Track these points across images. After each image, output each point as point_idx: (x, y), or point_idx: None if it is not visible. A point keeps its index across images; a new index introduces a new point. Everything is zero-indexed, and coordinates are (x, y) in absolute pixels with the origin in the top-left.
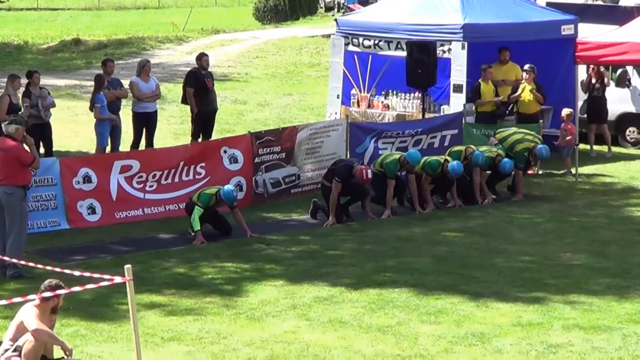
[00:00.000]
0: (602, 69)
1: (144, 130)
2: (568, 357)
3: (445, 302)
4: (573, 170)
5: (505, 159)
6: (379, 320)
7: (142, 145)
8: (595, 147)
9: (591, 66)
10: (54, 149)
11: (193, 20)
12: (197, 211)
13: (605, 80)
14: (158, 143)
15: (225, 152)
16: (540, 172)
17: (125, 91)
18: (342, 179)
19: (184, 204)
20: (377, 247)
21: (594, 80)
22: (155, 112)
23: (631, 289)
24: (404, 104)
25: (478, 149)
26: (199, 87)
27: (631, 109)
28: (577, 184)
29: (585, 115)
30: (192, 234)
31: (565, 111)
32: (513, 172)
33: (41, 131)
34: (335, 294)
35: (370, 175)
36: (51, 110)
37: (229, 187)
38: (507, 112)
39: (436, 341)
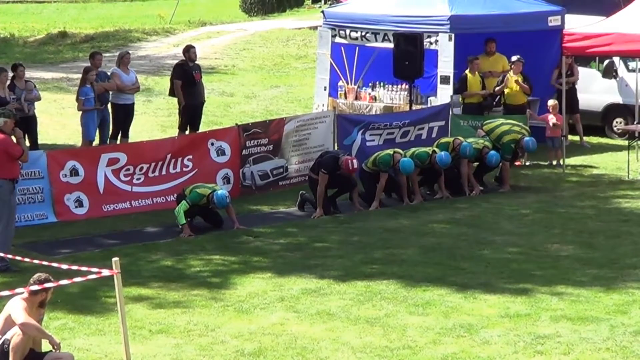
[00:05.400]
0: (571, 60)
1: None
2: (556, 348)
3: (433, 293)
4: (561, 161)
5: (492, 152)
6: (366, 312)
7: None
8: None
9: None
10: (41, 142)
11: (180, 12)
12: (183, 206)
13: (574, 71)
14: (145, 136)
15: (212, 144)
16: (527, 164)
17: (114, 84)
18: (329, 171)
19: (172, 196)
20: (364, 238)
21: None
22: (133, 104)
23: (618, 280)
24: (391, 96)
25: (465, 140)
26: (187, 79)
27: (618, 99)
28: (564, 175)
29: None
30: (180, 226)
31: (550, 102)
32: (500, 164)
33: (25, 124)
34: (323, 286)
35: (355, 166)
36: (38, 103)
37: (222, 192)
38: (494, 103)
39: (424, 332)
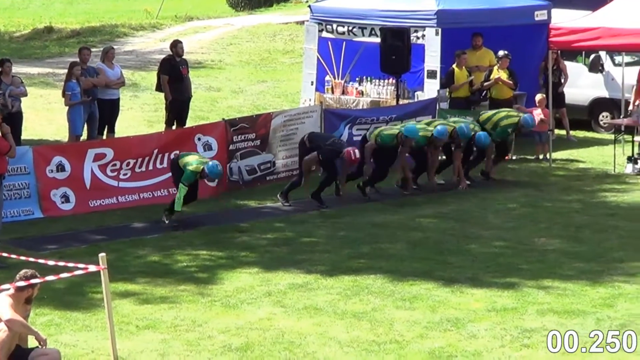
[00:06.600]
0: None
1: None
2: (542, 341)
3: (420, 287)
4: (547, 156)
5: (480, 132)
6: (354, 307)
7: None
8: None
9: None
10: (27, 137)
11: (166, 7)
12: (183, 190)
13: (562, 68)
14: (132, 131)
15: (199, 139)
16: (514, 158)
17: (103, 79)
18: (325, 159)
19: (159, 191)
20: (352, 233)
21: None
22: (119, 99)
23: (604, 274)
24: (378, 90)
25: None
26: (174, 74)
27: (604, 94)
28: (551, 170)
29: None
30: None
31: (538, 97)
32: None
33: (9, 121)
34: (310, 281)
35: (357, 155)
36: (24, 98)
37: (213, 162)
38: (481, 97)
39: (411, 327)
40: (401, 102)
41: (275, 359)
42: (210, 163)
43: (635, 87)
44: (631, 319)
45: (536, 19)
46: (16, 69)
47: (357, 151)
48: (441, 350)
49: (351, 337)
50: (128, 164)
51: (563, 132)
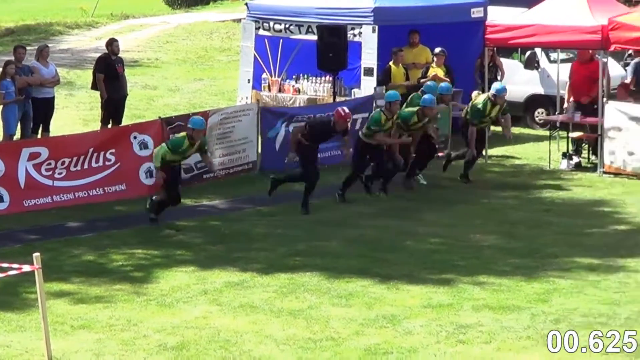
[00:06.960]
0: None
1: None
2: (477, 337)
3: (356, 285)
4: (483, 152)
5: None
6: (290, 304)
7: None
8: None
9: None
10: None
11: (102, 5)
12: (163, 149)
13: (497, 62)
14: (67, 130)
15: (135, 137)
16: (451, 154)
17: (38, 78)
18: (323, 139)
19: (94, 190)
20: (288, 231)
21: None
22: (53, 97)
23: (539, 269)
24: (315, 88)
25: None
26: (109, 72)
27: (540, 90)
28: (486, 166)
29: None
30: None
31: (474, 93)
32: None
33: None
34: (246, 279)
35: (347, 110)
36: None
37: (195, 117)
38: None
39: (347, 324)
40: (338, 99)
41: (211, 358)
42: (194, 118)
43: (567, 84)
44: (565, 314)
45: (472, 16)
46: None
47: (345, 108)
48: (377, 347)
49: (287, 335)
50: (63, 163)
51: (499, 128)
